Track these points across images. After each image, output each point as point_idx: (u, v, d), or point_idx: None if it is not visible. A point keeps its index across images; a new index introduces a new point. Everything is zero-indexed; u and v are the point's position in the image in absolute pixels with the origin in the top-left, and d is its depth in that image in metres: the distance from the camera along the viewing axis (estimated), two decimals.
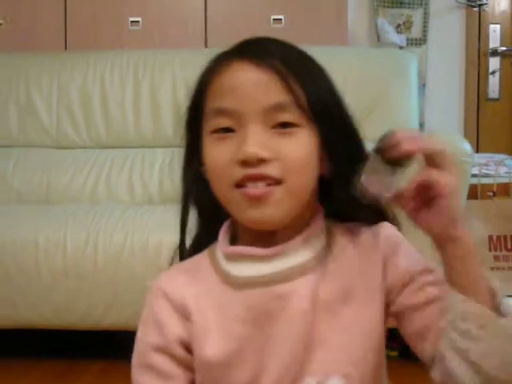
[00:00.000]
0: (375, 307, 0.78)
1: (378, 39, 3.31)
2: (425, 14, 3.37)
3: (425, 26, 3.38)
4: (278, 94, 0.76)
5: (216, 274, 0.82)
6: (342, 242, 0.82)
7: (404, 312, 0.77)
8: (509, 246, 2.20)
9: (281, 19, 3.02)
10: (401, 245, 0.80)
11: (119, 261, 2.01)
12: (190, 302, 0.81)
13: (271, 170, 0.75)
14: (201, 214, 0.87)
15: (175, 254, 0.89)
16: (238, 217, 0.79)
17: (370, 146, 2.57)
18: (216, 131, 0.78)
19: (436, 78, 3.38)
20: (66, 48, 3.04)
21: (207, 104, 0.80)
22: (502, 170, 2.33)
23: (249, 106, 0.76)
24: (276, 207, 0.76)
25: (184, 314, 0.80)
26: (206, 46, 2.99)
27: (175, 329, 0.80)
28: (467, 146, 2.01)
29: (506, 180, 2.27)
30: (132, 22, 3.03)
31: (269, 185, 0.75)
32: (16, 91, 2.79)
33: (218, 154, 0.78)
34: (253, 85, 0.77)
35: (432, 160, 0.69)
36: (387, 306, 0.79)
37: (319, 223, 0.81)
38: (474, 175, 2.17)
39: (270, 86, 0.76)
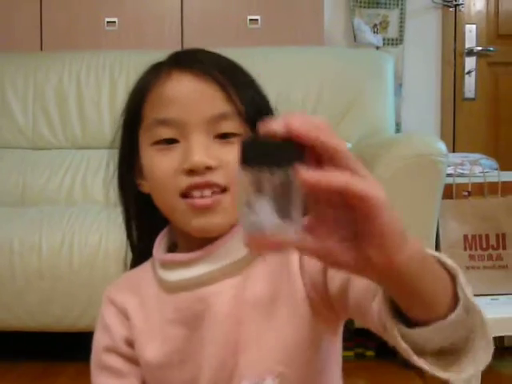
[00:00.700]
0: (301, 303, 0.77)
1: (354, 39, 3.32)
2: (401, 14, 3.39)
3: (401, 26, 3.40)
4: (220, 104, 0.78)
5: (154, 280, 0.84)
6: None
7: (340, 299, 0.72)
8: (484, 246, 2.22)
9: (257, 19, 3.02)
10: None
11: (94, 262, 2.00)
12: (129, 307, 0.85)
13: (217, 177, 0.77)
14: (141, 226, 0.90)
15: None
16: (182, 226, 0.80)
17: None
18: (158, 142, 0.79)
19: (412, 78, 3.41)
20: (41, 48, 3.02)
21: (147, 114, 0.81)
22: (477, 169, 2.34)
23: (191, 117, 0.77)
24: (223, 215, 0.77)
25: (126, 318, 0.86)
26: (182, 47, 2.98)
27: (120, 329, 0.85)
28: (442, 146, 2.02)
29: (480, 180, 2.29)
30: (108, 22, 3.01)
31: (214, 193, 0.77)
32: None
33: (161, 165, 0.78)
34: (196, 95, 0.78)
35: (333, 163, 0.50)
36: (323, 299, 0.75)
37: None
38: (448, 175, 2.19)
39: (212, 96, 0.78)
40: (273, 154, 0.48)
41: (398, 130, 3.13)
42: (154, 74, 0.82)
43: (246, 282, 0.79)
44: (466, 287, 0.56)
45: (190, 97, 0.78)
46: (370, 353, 2.24)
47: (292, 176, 0.47)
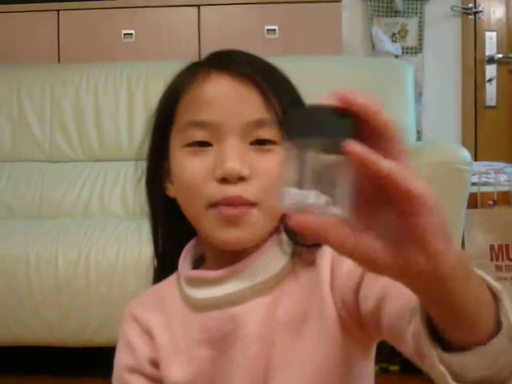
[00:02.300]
0: (331, 322, 0.73)
1: (372, 48, 3.29)
2: (420, 22, 3.35)
3: (420, 35, 3.36)
4: (258, 109, 0.74)
5: (180, 297, 0.80)
6: (300, 259, 0.77)
7: (372, 319, 0.68)
8: (511, 256, 2.16)
9: (275, 30, 2.99)
10: None
11: (112, 276, 1.97)
12: (153, 326, 0.81)
13: (249, 191, 0.73)
14: (168, 233, 0.85)
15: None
16: (209, 237, 0.76)
17: None
18: (191, 145, 0.75)
19: (433, 87, 3.36)
20: (59, 61, 3.02)
21: (181, 115, 0.77)
22: (502, 177, 2.30)
23: (228, 120, 0.73)
24: (251, 229, 0.74)
25: (150, 337, 0.81)
26: (199, 58, 2.95)
27: (144, 349, 0.81)
28: (466, 154, 1.97)
29: (506, 188, 2.24)
30: (125, 34, 3.00)
31: (244, 206, 0.73)
32: (8, 104, 2.76)
33: (192, 168, 0.74)
34: (233, 98, 0.74)
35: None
36: (354, 319, 0.72)
37: (279, 243, 0.78)
38: (473, 184, 2.14)
39: (250, 100, 0.74)
40: (325, 124, 0.43)
41: (419, 138, 3.09)
42: (191, 74, 0.78)
43: (277, 301, 0.75)
44: (511, 313, 0.51)
45: (228, 99, 0.74)
46: (394, 367, 2.19)
47: (344, 150, 0.42)
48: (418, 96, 3.23)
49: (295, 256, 0.77)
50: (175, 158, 0.77)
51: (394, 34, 3.35)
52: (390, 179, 0.43)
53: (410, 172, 0.44)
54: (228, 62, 0.77)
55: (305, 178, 0.44)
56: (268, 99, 0.74)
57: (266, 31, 2.99)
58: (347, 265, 0.71)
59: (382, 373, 2.16)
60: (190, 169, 0.74)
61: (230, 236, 0.73)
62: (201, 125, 0.74)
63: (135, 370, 0.82)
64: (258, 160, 0.74)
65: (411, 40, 3.36)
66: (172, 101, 0.78)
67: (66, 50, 3.01)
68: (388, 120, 0.45)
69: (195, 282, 0.78)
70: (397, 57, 3.28)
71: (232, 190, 0.72)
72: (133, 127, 2.66)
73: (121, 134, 2.67)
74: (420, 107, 3.24)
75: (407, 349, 0.57)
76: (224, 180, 0.72)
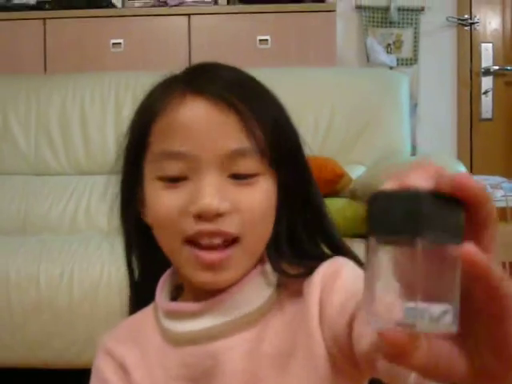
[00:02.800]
0: (320, 359, 0.67)
1: (367, 59, 3.25)
2: (415, 33, 3.32)
3: (415, 46, 3.32)
4: (238, 138, 0.68)
5: (157, 329, 0.75)
6: (286, 291, 0.72)
7: (368, 359, 0.62)
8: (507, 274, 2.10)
9: (267, 39, 2.94)
10: (338, 279, 0.67)
11: (96, 294, 1.90)
12: (129, 361, 0.76)
13: (228, 225, 0.67)
14: (144, 261, 0.79)
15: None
16: (187, 275, 0.71)
17: (359, 169, 2.44)
18: (165, 178, 0.69)
19: (428, 99, 3.32)
20: (45, 71, 2.96)
21: (154, 142, 0.71)
22: (499, 193, 2.24)
23: (206, 151, 0.67)
24: (233, 270, 0.69)
25: (125, 372, 0.76)
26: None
27: None
28: (462, 169, 1.91)
29: (503, 204, 2.18)
30: (114, 43, 2.94)
31: (225, 242, 0.67)
32: None
33: (166, 204, 0.69)
34: (211, 127, 0.68)
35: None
36: (345, 357, 0.65)
37: (263, 274, 0.72)
38: None
39: (229, 129, 0.68)
40: (436, 215, 0.35)
41: (413, 151, 3.04)
42: (166, 95, 0.71)
43: (262, 335, 0.70)
44: None
45: (205, 128, 0.68)
46: None
47: (458, 250, 0.36)
48: (413, 108, 3.19)
49: (281, 287, 0.72)
50: (149, 188, 0.71)
51: (388, 45, 3.31)
52: (493, 283, 0.38)
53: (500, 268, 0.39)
54: (204, 82, 0.70)
55: (417, 284, 0.36)
56: (248, 126, 0.68)
57: (258, 41, 2.94)
58: (338, 299, 0.65)
59: None
60: (164, 204, 0.69)
61: (210, 280, 0.69)
62: (175, 156, 0.68)
63: None
64: (238, 194, 0.68)
65: (406, 51, 3.32)
66: (145, 124, 0.72)
67: (52, 59, 2.95)
68: (493, 208, 0.39)
69: (173, 315, 0.73)
70: (391, 68, 3.24)
71: (209, 226, 0.67)
72: (120, 139, 2.59)
73: (108, 146, 2.61)
74: (415, 119, 3.19)
75: None
76: (200, 217, 0.66)
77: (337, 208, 1.94)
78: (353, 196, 2.22)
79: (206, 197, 0.66)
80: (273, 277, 0.72)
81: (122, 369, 0.76)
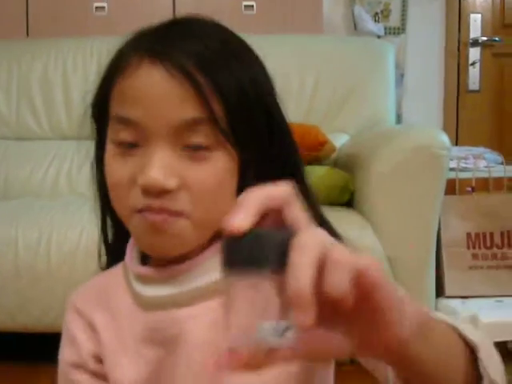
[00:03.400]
0: None
1: (354, 28, 3.22)
2: (403, 2, 3.29)
3: (403, 15, 3.29)
4: (192, 109, 0.64)
5: (127, 291, 0.74)
6: None
7: None
8: (488, 244, 2.10)
9: (252, 6, 2.90)
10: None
11: (74, 259, 1.89)
12: (98, 320, 0.75)
13: (175, 203, 0.65)
14: (116, 223, 0.77)
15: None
16: (135, 241, 0.71)
17: (343, 138, 2.44)
18: (117, 143, 0.67)
19: (415, 69, 3.30)
20: (27, 35, 2.91)
21: (111, 106, 0.69)
22: (481, 163, 2.23)
23: (157, 121, 0.65)
24: (177, 238, 0.67)
25: (94, 331, 0.75)
26: None
27: (88, 344, 0.75)
28: (445, 139, 1.90)
29: (485, 174, 2.18)
30: (97, 7, 2.90)
31: (169, 214, 0.66)
32: None
33: (117, 172, 0.67)
34: (164, 97, 0.65)
35: None
36: None
37: None
38: (451, 169, 2.08)
39: (184, 99, 0.64)
40: (267, 248, 0.41)
41: (398, 121, 3.03)
42: (125, 58, 0.68)
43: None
44: (491, 364, 0.48)
45: (158, 97, 0.65)
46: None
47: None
48: (400, 78, 3.17)
49: None
50: (106, 152, 0.70)
51: (376, 14, 3.28)
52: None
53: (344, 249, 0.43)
54: (165, 48, 0.66)
55: (270, 308, 0.42)
56: (204, 98, 0.64)
57: (243, 7, 2.90)
58: None
59: (353, 362, 2.11)
60: (115, 171, 0.67)
61: (154, 242, 0.67)
62: (126, 122, 0.66)
63: (79, 366, 0.75)
64: (189, 169, 0.65)
65: (394, 20, 3.29)
66: (106, 84, 0.70)
67: (34, 23, 2.90)
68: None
69: (142, 279, 0.72)
70: (379, 37, 3.21)
71: (155, 202, 0.65)
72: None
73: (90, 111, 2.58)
74: (401, 89, 3.18)
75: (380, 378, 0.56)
76: (145, 191, 0.65)
77: (319, 175, 1.94)
78: (335, 164, 2.22)
79: (151, 171, 0.64)
80: None
81: (91, 328, 0.75)
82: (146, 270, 0.72)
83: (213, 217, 0.67)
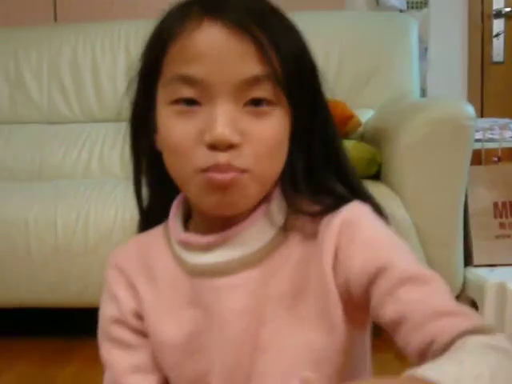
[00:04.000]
0: (332, 303, 0.68)
1: (376, 3, 3.21)
2: None
3: None
4: (254, 65, 0.66)
5: (170, 254, 0.76)
6: (297, 231, 0.71)
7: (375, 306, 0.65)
8: None
9: None
10: (359, 231, 0.68)
11: (110, 237, 1.95)
12: (138, 280, 0.77)
13: (240, 158, 0.66)
14: (153, 188, 0.80)
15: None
16: (197, 201, 0.71)
17: (368, 113, 2.46)
18: (177, 102, 0.68)
19: (438, 42, 3.29)
20: (55, 20, 2.96)
21: (168, 66, 0.69)
22: (507, 134, 2.25)
23: (220, 78, 0.65)
24: (242, 194, 0.68)
25: (134, 290, 0.77)
26: None
27: (128, 302, 0.77)
28: (470, 110, 1.93)
29: (511, 144, 2.19)
30: None
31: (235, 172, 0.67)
32: (5, 67, 2.73)
33: (180, 132, 0.67)
34: (227, 53, 0.65)
35: None
36: (355, 300, 0.67)
37: (268, 213, 0.72)
38: (477, 140, 2.09)
39: (246, 56, 0.66)
40: None
41: (423, 95, 3.03)
42: (181, 19, 0.68)
43: (268, 276, 0.70)
44: None
45: (221, 54, 0.65)
46: None
47: None
48: (424, 52, 3.16)
49: (289, 228, 0.72)
50: (161, 115, 0.70)
51: None
52: None
53: None
54: (224, 7, 0.67)
55: None
56: (265, 54, 0.66)
57: None
58: (359, 256, 0.66)
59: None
60: (177, 132, 0.68)
61: (218, 200, 0.68)
62: (189, 80, 0.66)
63: (120, 322, 0.78)
64: (251, 124, 0.67)
65: None
66: (159, 48, 0.70)
67: (62, 8, 2.94)
68: None
69: (184, 245, 0.74)
70: (401, 11, 3.21)
71: (222, 157, 0.65)
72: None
73: (119, 94, 2.63)
74: (425, 63, 3.18)
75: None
76: (213, 147, 0.65)
77: (346, 149, 1.97)
78: (361, 138, 2.25)
79: (219, 127, 0.65)
80: (279, 217, 0.72)
81: (131, 286, 0.77)
82: (191, 238, 0.73)
83: (271, 172, 0.69)
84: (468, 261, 2.04)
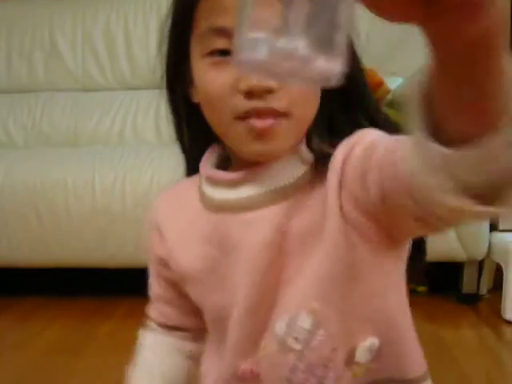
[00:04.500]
0: (338, 234, 0.67)
1: None
2: None
3: None
4: None
5: (198, 194, 0.78)
6: (321, 173, 0.70)
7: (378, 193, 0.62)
8: None
9: None
10: (360, 140, 0.66)
11: (147, 200, 2.02)
12: (164, 222, 0.81)
13: (277, 102, 0.67)
14: (193, 137, 0.82)
15: None
16: (238, 148, 0.72)
17: (397, 80, 2.46)
18: (212, 54, 0.69)
19: None
20: None
21: (200, 20, 0.70)
22: None
23: None
24: (282, 140, 0.69)
25: (159, 232, 0.82)
26: None
27: (156, 249, 0.82)
28: None
29: None
30: None
31: (275, 117, 0.68)
32: (40, 36, 2.79)
33: (215, 82, 0.69)
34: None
35: None
36: (370, 219, 0.66)
37: (298, 151, 0.73)
38: None
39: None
40: None
41: None
42: None
43: (293, 211, 0.71)
44: None
45: None
46: (422, 288, 2.23)
47: None
48: None
49: (316, 167, 0.72)
50: (197, 67, 0.71)
51: None
52: None
53: None
54: None
55: (291, 20, 0.34)
56: None
57: None
58: (357, 151, 0.64)
59: (409, 294, 2.20)
60: (213, 82, 0.69)
61: (260, 148, 0.69)
62: (223, 32, 0.67)
63: (154, 266, 0.85)
64: None
65: None
66: (189, 2, 0.71)
67: None
68: None
69: (212, 182, 0.76)
70: None
71: (260, 103, 0.66)
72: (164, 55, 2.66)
73: (152, 61, 2.68)
74: None
75: (404, 187, 0.54)
76: (249, 93, 0.66)
77: None
78: (391, 105, 2.28)
79: None
80: (308, 156, 0.73)
81: (158, 227, 0.81)
82: (218, 174, 0.75)
83: (308, 115, 0.71)
84: (494, 226, 2.08)
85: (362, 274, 0.69)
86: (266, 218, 0.71)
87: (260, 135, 0.68)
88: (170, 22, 0.76)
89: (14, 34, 2.80)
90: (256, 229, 0.71)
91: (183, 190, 0.82)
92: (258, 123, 0.67)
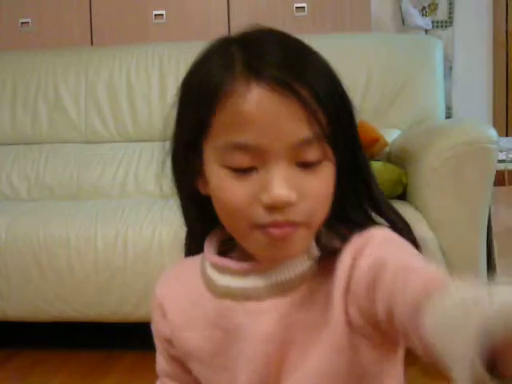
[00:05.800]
0: (342, 330, 0.70)
1: (402, 23, 3.29)
2: None
3: (450, 8, 3.34)
4: (304, 127, 0.67)
5: (201, 276, 0.79)
6: (328, 265, 0.72)
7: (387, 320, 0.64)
8: None
9: (304, 7, 3.01)
10: (369, 244, 0.68)
11: (148, 254, 2.04)
12: (167, 301, 0.82)
13: (296, 215, 0.68)
14: (199, 222, 0.82)
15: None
16: (253, 251, 0.73)
17: (394, 133, 2.53)
18: (232, 169, 0.69)
19: (463, 61, 3.35)
20: (92, 43, 3.08)
21: (218, 130, 0.69)
22: None
23: (274, 143, 0.67)
24: (299, 246, 0.71)
25: (162, 310, 0.82)
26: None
27: (160, 326, 0.83)
28: (493, 133, 1.99)
29: None
30: (156, 15, 3.05)
31: (293, 227, 0.69)
32: (45, 88, 2.84)
33: (236, 194, 0.69)
34: (277, 117, 0.66)
35: None
36: (373, 327, 0.68)
37: (312, 243, 0.75)
38: (500, 161, 2.15)
39: (294, 118, 0.67)
40: None
41: (449, 113, 3.09)
42: (227, 75, 0.68)
43: (297, 304, 0.73)
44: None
45: (272, 120, 0.66)
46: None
47: None
48: (448, 70, 3.23)
49: (322, 259, 0.74)
50: (213, 173, 0.71)
51: (423, 8, 3.34)
52: None
53: None
54: (264, 64, 0.67)
55: None
56: (312, 113, 0.67)
57: (295, 9, 3.01)
58: (366, 264, 0.66)
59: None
60: (233, 192, 0.69)
61: (276, 253, 0.71)
62: (244, 148, 0.67)
63: (159, 347, 0.85)
64: (304, 180, 0.69)
65: (441, 14, 3.35)
66: (207, 104, 0.69)
67: (98, 32, 3.07)
68: None
69: (219, 268, 0.77)
70: (427, 31, 3.27)
71: (280, 216, 0.68)
72: (165, 108, 2.71)
73: (153, 114, 2.74)
74: (450, 82, 3.24)
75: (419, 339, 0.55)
76: (271, 207, 0.67)
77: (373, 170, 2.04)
78: (388, 159, 2.32)
79: (276, 188, 0.66)
80: (315, 250, 0.74)
81: (161, 308, 0.82)
82: (228, 263, 0.76)
83: (322, 219, 0.72)
84: (492, 279, 2.09)
85: (364, 375, 0.71)
86: (271, 310, 0.72)
87: (277, 241, 0.69)
88: (182, 109, 0.75)
89: (19, 87, 2.85)
90: (261, 319, 0.72)
91: (186, 270, 0.83)
92: (277, 231, 0.68)
